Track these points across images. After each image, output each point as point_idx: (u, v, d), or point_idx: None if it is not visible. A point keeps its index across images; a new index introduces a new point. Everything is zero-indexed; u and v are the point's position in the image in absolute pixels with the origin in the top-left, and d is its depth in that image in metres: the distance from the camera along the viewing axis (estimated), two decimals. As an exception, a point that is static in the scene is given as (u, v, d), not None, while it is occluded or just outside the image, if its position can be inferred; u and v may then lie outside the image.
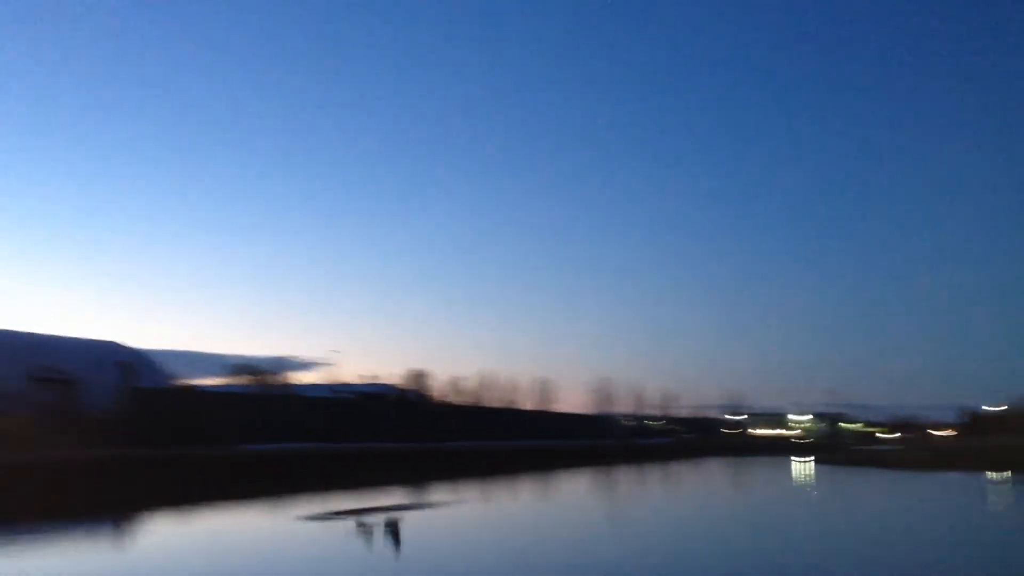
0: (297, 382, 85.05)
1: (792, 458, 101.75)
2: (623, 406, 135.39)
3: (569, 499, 45.28)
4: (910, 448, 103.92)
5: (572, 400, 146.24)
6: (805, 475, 66.10)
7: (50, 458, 39.82)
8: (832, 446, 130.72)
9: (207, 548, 24.38)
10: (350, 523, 27.27)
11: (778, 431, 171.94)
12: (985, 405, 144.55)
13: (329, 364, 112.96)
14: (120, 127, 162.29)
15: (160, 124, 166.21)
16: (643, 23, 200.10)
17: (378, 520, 26.97)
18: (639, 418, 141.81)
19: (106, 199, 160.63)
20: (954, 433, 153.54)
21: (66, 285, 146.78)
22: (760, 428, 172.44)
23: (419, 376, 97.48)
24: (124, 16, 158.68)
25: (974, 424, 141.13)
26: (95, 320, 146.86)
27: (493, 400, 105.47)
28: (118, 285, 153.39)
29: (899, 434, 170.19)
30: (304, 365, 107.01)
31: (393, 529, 25.49)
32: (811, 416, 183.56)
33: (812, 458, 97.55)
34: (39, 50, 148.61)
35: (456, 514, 33.68)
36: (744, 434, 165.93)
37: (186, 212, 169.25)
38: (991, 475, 61.06)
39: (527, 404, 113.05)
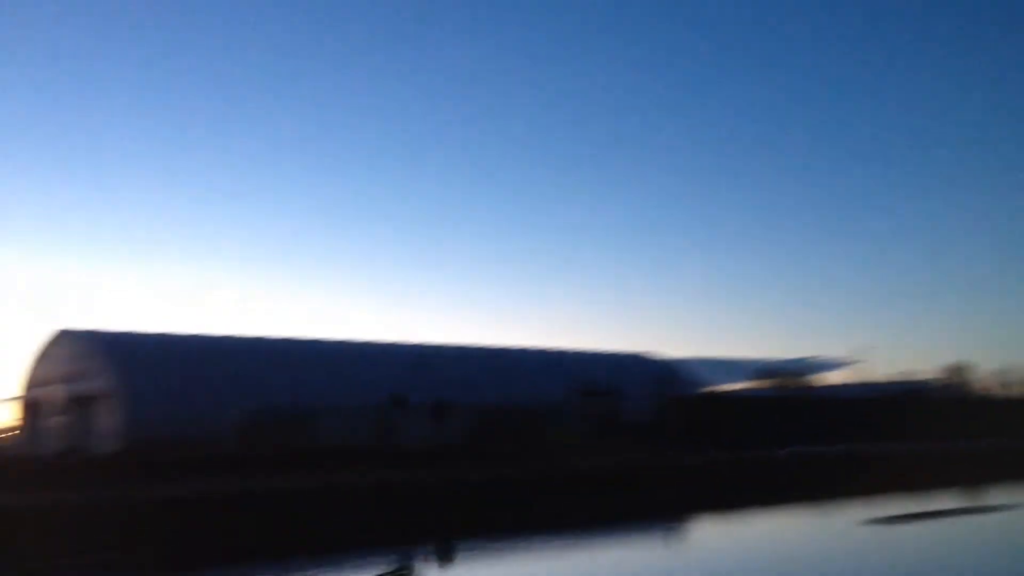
0: (823, 383, 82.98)
1: None
2: None
3: None
4: None
5: None
6: None
7: (599, 465, 42.78)
8: None
9: (789, 549, 24.49)
10: (920, 527, 25.52)
11: None
12: None
13: (856, 362, 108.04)
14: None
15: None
16: None
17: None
18: None
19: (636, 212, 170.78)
20: None
21: (602, 303, 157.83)
22: None
23: (959, 370, 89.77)
24: None
25: None
26: (628, 333, 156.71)
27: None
28: (647, 298, 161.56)
29: None
30: (830, 365, 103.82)
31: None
32: None
33: None
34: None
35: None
36: None
37: (729, 220, 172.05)
38: None
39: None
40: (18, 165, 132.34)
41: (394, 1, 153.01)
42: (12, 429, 53.93)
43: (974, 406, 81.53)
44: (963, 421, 75.23)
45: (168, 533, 26.45)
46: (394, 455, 42.04)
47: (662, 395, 60.30)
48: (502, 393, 54.90)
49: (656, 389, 60.84)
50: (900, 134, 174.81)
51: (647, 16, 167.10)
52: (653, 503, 39.37)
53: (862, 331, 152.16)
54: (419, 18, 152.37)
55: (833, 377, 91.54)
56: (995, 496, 39.67)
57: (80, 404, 47.98)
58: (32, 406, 52.17)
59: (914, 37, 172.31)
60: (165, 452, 38.63)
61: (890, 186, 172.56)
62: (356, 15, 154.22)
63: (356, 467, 37.71)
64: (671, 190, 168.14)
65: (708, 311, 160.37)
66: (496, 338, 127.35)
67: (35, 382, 52.13)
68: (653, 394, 60.12)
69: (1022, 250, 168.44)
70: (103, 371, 46.90)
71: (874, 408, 71.83)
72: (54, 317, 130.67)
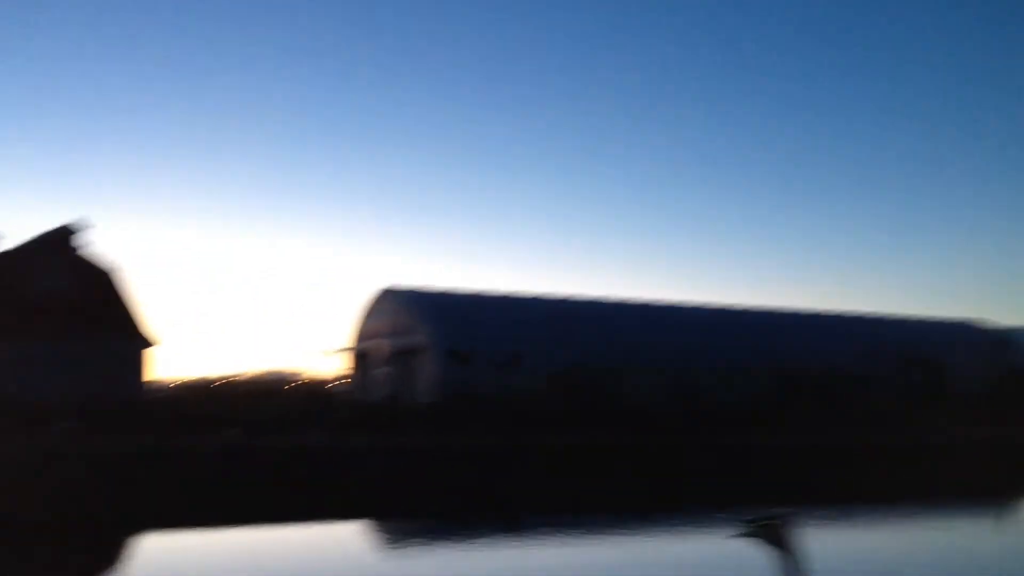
0: None
1: None
2: None
3: None
4: None
5: None
6: None
7: (923, 438, 39.97)
8: None
9: None
10: None
11: None
12: None
13: None
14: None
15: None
16: None
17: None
18: None
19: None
20: None
21: (930, 267, 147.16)
22: None
23: None
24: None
25: None
26: (959, 300, 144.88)
27: None
28: (980, 263, 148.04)
29: None
30: None
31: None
32: None
33: None
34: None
35: None
36: None
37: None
38: None
39: None
40: (346, 137, 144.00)
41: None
42: (345, 377, 58.82)
43: None
44: None
45: (513, 480, 27.43)
46: (693, 415, 41.71)
47: (995, 366, 55.88)
48: (809, 357, 52.59)
49: (988, 360, 56.59)
50: None
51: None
52: (996, 480, 36.00)
53: None
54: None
55: None
56: None
57: (402, 356, 51.26)
58: (361, 357, 56.50)
59: None
60: (478, 404, 40.45)
61: None
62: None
63: (658, 426, 37.60)
64: (997, 149, 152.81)
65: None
66: (817, 303, 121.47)
67: (364, 335, 56.33)
68: (985, 365, 55.96)
69: None
70: (421, 327, 49.74)
71: None
72: (383, 275, 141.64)
